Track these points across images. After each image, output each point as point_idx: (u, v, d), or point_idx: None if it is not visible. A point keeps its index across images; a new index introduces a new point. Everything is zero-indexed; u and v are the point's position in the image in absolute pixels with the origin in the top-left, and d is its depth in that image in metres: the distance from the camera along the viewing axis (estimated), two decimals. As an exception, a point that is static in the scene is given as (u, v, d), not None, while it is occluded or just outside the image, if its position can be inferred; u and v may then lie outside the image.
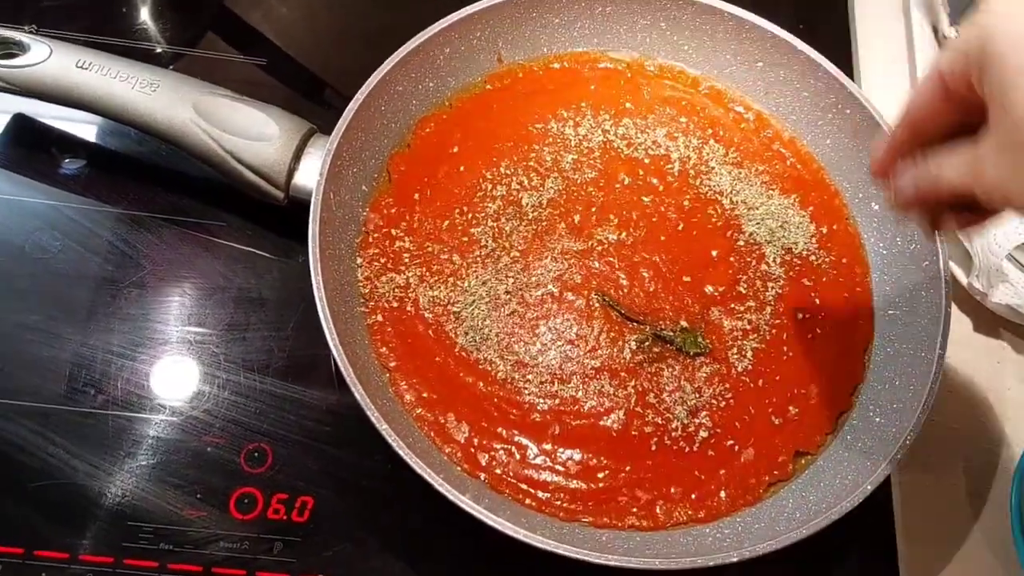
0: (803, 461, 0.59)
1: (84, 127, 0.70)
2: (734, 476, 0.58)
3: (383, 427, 0.51)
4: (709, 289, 0.63)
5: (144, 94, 0.59)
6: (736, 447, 0.58)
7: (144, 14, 0.78)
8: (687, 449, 0.58)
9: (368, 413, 0.52)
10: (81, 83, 0.60)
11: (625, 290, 0.62)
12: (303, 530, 0.57)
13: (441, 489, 0.50)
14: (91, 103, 0.60)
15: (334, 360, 0.53)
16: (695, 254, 0.64)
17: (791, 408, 0.60)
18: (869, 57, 0.82)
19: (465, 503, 0.50)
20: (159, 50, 0.76)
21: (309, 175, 0.60)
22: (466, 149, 0.67)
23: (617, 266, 0.63)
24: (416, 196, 0.64)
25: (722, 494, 0.57)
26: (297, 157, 0.61)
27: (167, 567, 0.55)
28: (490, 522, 0.50)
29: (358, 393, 0.52)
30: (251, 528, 0.57)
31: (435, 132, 0.67)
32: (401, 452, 0.51)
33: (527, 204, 0.65)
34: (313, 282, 0.55)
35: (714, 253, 0.65)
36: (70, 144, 0.70)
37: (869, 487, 0.53)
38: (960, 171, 0.40)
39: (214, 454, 0.59)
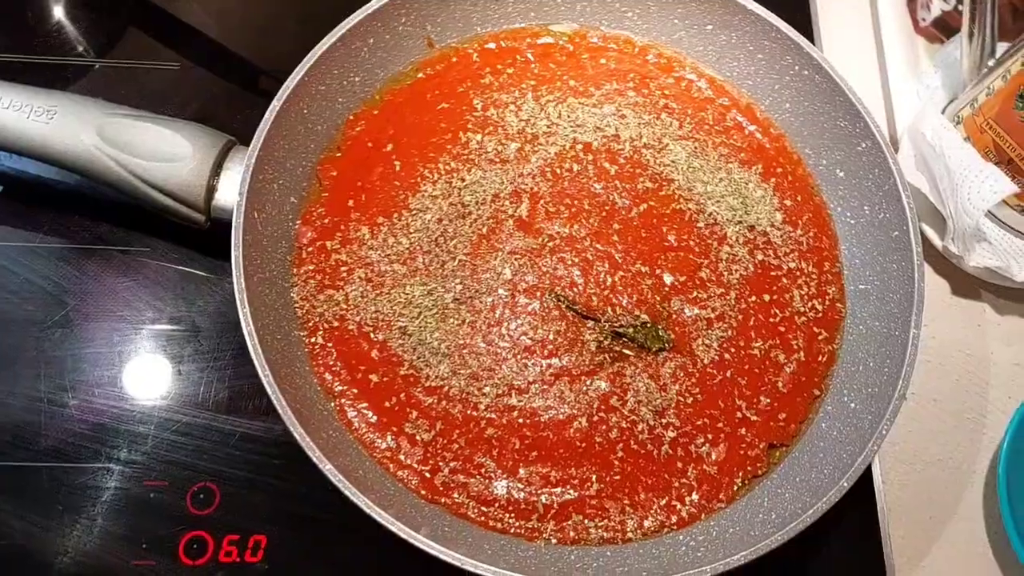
0: (777, 454, 0.56)
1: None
2: (706, 476, 0.55)
3: (327, 467, 0.48)
4: (668, 278, 0.59)
5: (41, 123, 0.54)
6: (706, 445, 0.56)
7: (58, 13, 0.73)
8: (655, 452, 0.55)
9: (309, 453, 0.48)
10: (-31, 116, 0.55)
11: (580, 287, 0.59)
12: (258, 571, 0.54)
13: (392, 528, 0.47)
14: (-17, 136, 0.55)
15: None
16: (652, 242, 0.60)
17: (762, 399, 0.57)
18: (829, 16, 0.77)
19: (417, 539, 0.47)
20: (79, 49, 0.71)
21: (230, 193, 0.55)
22: (401, 146, 0.62)
23: (570, 262, 0.59)
24: (350, 203, 0.60)
25: (694, 496, 0.55)
26: (215, 175, 0.56)
27: (117, 624, 0.53)
28: (445, 557, 0.47)
29: (296, 433, 0.49)
30: (203, 573, 0.54)
31: (366, 131, 0.62)
32: (347, 492, 0.48)
33: (470, 201, 0.61)
34: (240, 314, 0.51)
35: (672, 239, 0.61)
36: (-20, 171, 0.65)
37: (846, 484, 0.50)
38: None
39: (158, 499, 0.56)
